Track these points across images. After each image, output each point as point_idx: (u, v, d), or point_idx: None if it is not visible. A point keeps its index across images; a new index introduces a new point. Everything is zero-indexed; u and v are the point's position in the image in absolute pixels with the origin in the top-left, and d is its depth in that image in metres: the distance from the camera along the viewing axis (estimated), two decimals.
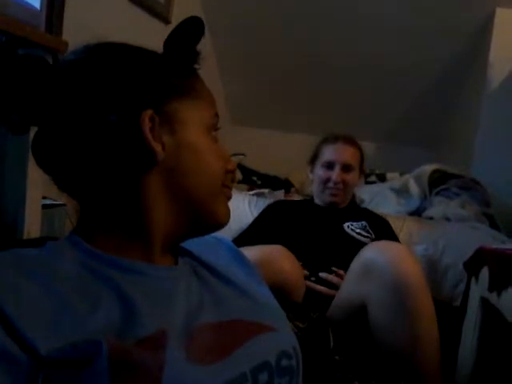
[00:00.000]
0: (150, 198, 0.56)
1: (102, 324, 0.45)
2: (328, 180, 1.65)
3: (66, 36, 1.51)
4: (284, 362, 0.55)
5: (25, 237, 1.07)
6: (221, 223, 0.62)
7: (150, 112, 0.54)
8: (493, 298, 1.17)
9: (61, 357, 0.42)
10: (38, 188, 1.11)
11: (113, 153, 0.54)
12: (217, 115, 0.63)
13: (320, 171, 1.68)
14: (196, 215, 0.59)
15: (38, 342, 0.42)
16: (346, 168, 1.65)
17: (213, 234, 0.74)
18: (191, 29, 0.61)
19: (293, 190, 2.64)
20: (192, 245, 0.65)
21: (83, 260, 0.52)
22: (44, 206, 1.20)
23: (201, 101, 0.61)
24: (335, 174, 1.63)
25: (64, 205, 1.32)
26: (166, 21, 2.26)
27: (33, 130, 0.59)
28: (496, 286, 1.17)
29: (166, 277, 0.56)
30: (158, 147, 0.54)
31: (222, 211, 0.62)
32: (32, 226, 1.10)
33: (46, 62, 0.57)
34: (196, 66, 0.63)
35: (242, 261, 0.72)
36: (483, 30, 2.54)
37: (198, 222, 0.60)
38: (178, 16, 2.30)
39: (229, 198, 0.64)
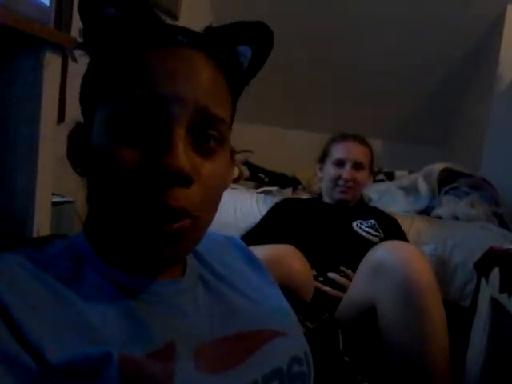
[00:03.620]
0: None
1: (111, 336, 0.44)
2: (339, 178, 1.64)
3: (74, 32, 1.51)
4: (295, 368, 0.54)
5: (34, 233, 1.08)
6: (153, 264, 0.50)
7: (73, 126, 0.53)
8: (503, 299, 1.16)
9: (70, 366, 0.41)
10: (48, 185, 1.11)
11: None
12: (146, 97, 0.45)
13: (330, 169, 1.67)
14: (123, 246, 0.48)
15: (48, 350, 0.41)
16: (357, 166, 1.65)
17: (223, 234, 0.74)
18: None
19: (300, 187, 2.63)
20: (204, 244, 0.60)
21: (89, 270, 0.50)
22: (53, 203, 1.20)
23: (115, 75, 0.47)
24: (346, 172, 1.63)
25: (73, 202, 1.32)
26: (175, 17, 2.25)
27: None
28: (507, 287, 1.15)
29: (170, 292, 0.52)
30: (76, 167, 0.53)
31: (144, 243, 0.46)
32: (42, 222, 1.10)
33: None
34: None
35: (253, 262, 0.70)
36: (494, 28, 2.52)
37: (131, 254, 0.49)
38: (185, 12, 2.29)
39: (166, 234, 0.45)
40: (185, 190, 0.45)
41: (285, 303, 0.66)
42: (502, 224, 1.99)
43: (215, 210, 0.51)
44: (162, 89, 0.45)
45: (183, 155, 0.44)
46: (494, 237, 1.71)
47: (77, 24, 1.56)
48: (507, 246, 1.39)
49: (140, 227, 0.45)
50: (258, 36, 0.54)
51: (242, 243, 0.73)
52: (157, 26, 0.48)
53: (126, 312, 0.47)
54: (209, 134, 0.48)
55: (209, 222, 0.51)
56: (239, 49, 0.54)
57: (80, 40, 0.51)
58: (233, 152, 0.57)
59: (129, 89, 0.45)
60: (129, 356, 0.43)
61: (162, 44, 0.47)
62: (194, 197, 0.46)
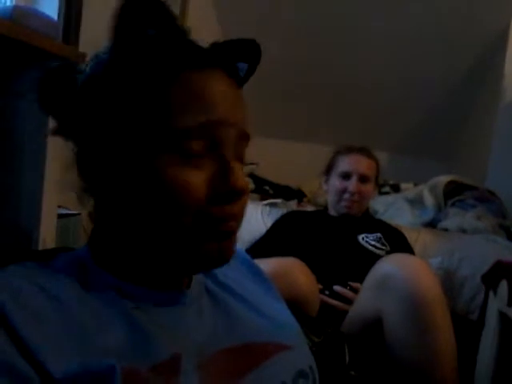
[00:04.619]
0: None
1: (114, 349, 0.44)
2: (344, 190, 1.64)
3: (82, 47, 1.53)
4: (301, 383, 0.54)
5: (40, 246, 1.08)
6: (205, 264, 0.51)
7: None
8: None
9: (74, 379, 0.41)
10: (54, 197, 1.12)
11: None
12: (206, 123, 0.48)
13: (336, 182, 1.67)
14: (170, 258, 0.50)
15: (52, 363, 0.41)
16: (363, 179, 1.64)
17: None
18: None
19: (305, 200, 2.62)
20: None
21: (92, 283, 0.50)
22: (59, 215, 1.20)
23: (171, 108, 0.48)
24: (352, 185, 1.62)
25: (79, 214, 1.32)
26: None
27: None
28: None
29: (176, 303, 0.53)
30: (90, 183, 0.52)
31: (204, 252, 0.49)
32: (47, 235, 1.10)
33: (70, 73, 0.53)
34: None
35: (259, 275, 0.70)
36: (498, 42, 2.54)
37: (179, 262, 0.51)
38: (192, 28, 2.32)
39: (229, 231, 0.50)
40: (239, 201, 0.50)
41: (290, 316, 0.66)
42: (509, 236, 1.97)
43: None
44: (219, 114, 0.48)
45: (242, 175, 0.50)
46: (501, 249, 1.69)
47: (84, 38, 1.57)
48: None
49: (200, 232, 0.48)
50: (255, 53, 0.56)
51: (247, 256, 0.73)
52: (193, 48, 0.50)
53: (130, 322, 0.47)
54: (243, 152, 0.53)
55: None
56: (239, 65, 0.55)
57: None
58: None
59: (191, 115, 0.47)
60: (133, 370, 0.43)
61: (199, 65, 0.49)
62: (242, 206, 0.51)
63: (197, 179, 0.47)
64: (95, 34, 1.71)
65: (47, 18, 1.14)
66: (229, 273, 0.64)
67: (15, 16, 0.99)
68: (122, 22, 0.48)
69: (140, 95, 0.48)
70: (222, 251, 0.50)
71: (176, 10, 2.26)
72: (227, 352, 0.51)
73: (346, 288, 1.42)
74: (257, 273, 0.70)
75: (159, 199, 0.47)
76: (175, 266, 0.52)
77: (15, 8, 1.03)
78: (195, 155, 0.48)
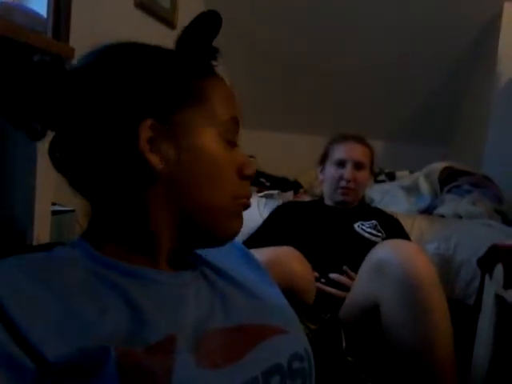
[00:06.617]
0: (154, 209, 0.54)
1: (110, 330, 0.45)
2: (340, 178, 1.64)
3: (73, 42, 1.52)
4: (296, 365, 0.54)
5: (34, 243, 1.08)
6: (227, 238, 0.59)
7: (149, 122, 0.52)
8: (508, 295, 1.15)
9: (69, 363, 0.42)
10: (48, 194, 1.11)
11: (116, 162, 0.53)
12: (235, 118, 0.59)
13: (331, 170, 1.67)
14: (202, 228, 0.56)
15: (46, 348, 0.41)
16: (358, 166, 1.64)
17: None
18: (207, 23, 0.57)
19: (302, 190, 2.62)
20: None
21: (91, 266, 0.51)
22: (53, 213, 1.20)
23: (215, 103, 0.56)
24: (347, 172, 1.62)
25: (73, 211, 1.32)
26: (172, 26, 2.27)
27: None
28: (511, 283, 1.15)
29: (175, 282, 0.55)
30: (154, 159, 0.52)
31: (230, 225, 0.58)
32: (41, 232, 1.10)
33: (62, 66, 0.55)
34: (213, 64, 0.60)
35: (253, 264, 0.71)
36: (491, 26, 2.52)
37: (204, 236, 0.57)
38: (182, 21, 2.31)
39: (245, 207, 0.59)
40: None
41: (284, 301, 0.67)
42: (505, 221, 1.98)
43: None
44: (235, 112, 0.59)
45: None
46: (497, 234, 1.70)
47: (75, 35, 1.56)
48: (510, 242, 1.38)
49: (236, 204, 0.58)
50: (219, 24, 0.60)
51: (242, 246, 0.75)
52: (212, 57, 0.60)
53: (129, 303, 0.48)
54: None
55: None
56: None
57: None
58: None
59: (227, 111, 0.57)
60: (127, 351, 0.43)
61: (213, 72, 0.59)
62: None
63: (234, 154, 0.58)
64: (86, 29, 1.70)
65: (34, 14, 1.13)
66: (225, 260, 0.65)
67: (1, 11, 0.99)
68: (191, 34, 0.57)
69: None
70: (240, 226, 0.59)
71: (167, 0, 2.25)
72: (223, 332, 0.52)
73: (342, 275, 1.42)
74: (252, 262, 0.72)
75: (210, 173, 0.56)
76: (203, 241, 0.58)
77: (1, 4, 1.03)
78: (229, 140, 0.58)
